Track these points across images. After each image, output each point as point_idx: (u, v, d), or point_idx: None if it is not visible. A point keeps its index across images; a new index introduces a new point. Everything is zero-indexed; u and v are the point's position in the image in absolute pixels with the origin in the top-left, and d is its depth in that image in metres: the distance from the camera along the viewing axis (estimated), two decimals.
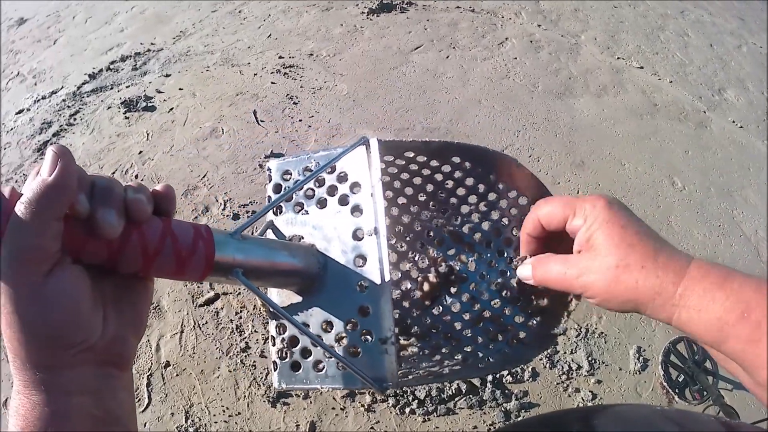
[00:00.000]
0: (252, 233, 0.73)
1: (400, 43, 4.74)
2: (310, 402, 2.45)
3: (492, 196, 0.91)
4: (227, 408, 2.45)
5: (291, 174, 0.80)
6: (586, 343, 2.69)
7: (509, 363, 0.88)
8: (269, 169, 0.83)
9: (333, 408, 2.44)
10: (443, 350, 0.90)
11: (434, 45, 4.73)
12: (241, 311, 2.71)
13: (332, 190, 0.76)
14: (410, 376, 0.83)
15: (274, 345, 0.75)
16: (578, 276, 0.65)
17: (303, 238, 0.77)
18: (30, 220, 0.44)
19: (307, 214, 0.78)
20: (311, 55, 4.54)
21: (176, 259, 0.55)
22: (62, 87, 4.36)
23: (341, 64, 4.44)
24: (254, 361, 2.55)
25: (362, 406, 2.42)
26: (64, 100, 4.15)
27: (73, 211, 0.48)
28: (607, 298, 0.63)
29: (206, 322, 2.66)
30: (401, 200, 0.97)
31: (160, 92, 4.16)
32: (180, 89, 4.18)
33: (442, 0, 5.47)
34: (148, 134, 3.72)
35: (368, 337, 0.67)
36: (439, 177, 0.92)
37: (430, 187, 0.95)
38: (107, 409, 0.51)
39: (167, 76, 4.35)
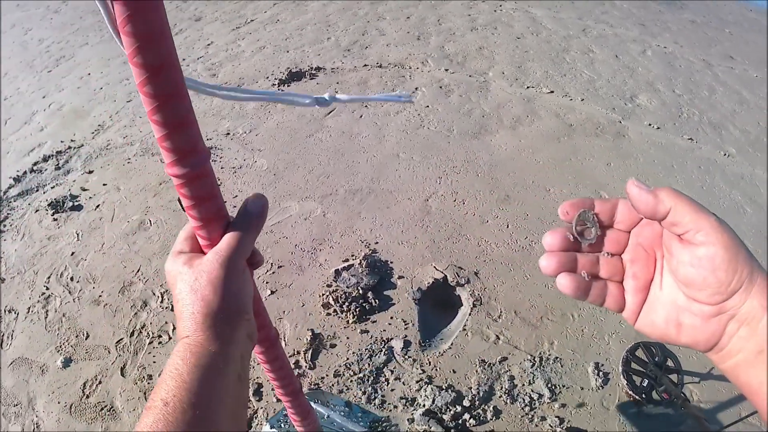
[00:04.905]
0: None
1: (313, 110, 4.77)
2: None
3: None
4: None
5: None
6: (542, 371, 2.68)
7: None
8: None
9: None
10: None
11: (346, 107, 4.79)
12: None
13: None
14: None
15: None
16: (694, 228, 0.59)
17: None
18: (252, 236, 0.75)
19: None
20: (228, 134, 4.55)
21: None
22: None
23: (258, 140, 4.45)
24: None
25: None
26: None
27: None
28: (725, 253, 0.56)
29: None
30: None
31: (84, 190, 4.08)
32: (104, 185, 4.11)
33: (350, 59, 5.58)
34: (78, 234, 3.64)
35: None
36: None
37: None
38: (244, 366, 0.73)
39: (90, 172, 4.29)
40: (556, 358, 2.76)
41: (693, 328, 0.61)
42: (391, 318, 2.95)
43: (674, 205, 0.59)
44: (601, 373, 2.69)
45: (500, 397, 2.59)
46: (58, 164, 4.47)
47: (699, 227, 0.57)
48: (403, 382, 2.65)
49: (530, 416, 2.52)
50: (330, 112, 4.72)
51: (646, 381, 2.56)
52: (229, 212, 0.75)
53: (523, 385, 2.64)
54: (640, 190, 0.62)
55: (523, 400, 2.57)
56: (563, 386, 2.64)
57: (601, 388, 2.64)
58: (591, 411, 2.56)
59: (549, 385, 2.63)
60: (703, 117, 4.83)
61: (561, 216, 0.69)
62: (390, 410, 2.54)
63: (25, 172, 4.40)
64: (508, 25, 6.44)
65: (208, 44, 6.42)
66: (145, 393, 2.68)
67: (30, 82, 6.09)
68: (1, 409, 2.69)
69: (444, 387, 2.62)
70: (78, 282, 3.30)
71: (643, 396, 2.53)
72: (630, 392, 2.57)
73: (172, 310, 3.06)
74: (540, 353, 2.78)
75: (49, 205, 3.94)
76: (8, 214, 3.96)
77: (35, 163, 4.51)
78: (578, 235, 0.69)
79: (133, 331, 2.97)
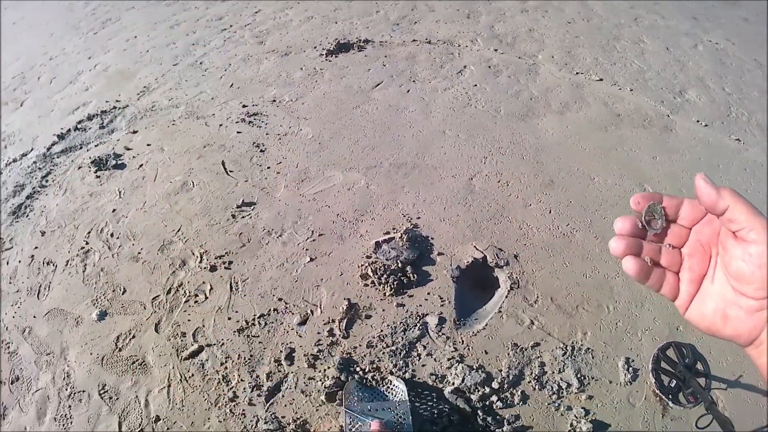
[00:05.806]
0: None
1: (361, 81, 4.78)
2: None
3: None
4: None
5: None
6: (573, 361, 2.68)
7: None
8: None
9: None
10: None
11: (394, 80, 4.77)
12: (226, 361, 2.68)
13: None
14: None
15: None
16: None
17: None
18: None
19: None
20: (274, 101, 4.56)
21: None
22: (32, 149, 4.32)
23: (304, 108, 4.46)
24: (243, 410, 2.51)
25: None
26: (35, 162, 4.11)
27: None
28: None
29: (192, 375, 2.63)
30: None
31: (128, 149, 4.14)
32: (148, 145, 4.17)
33: (398, 33, 5.54)
34: (120, 192, 3.71)
35: None
36: None
37: None
38: None
39: (134, 132, 4.35)
40: (588, 348, 2.75)
41: (738, 320, 0.70)
42: (428, 294, 2.96)
43: (733, 203, 0.68)
44: (630, 368, 2.69)
45: (529, 382, 2.61)
46: (102, 123, 4.53)
47: (752, 226, 0.66)
48: (435, 359, 2.67)
49: (557, 404, 2.54)
50: (377, 85, 4.71)
51: (675, 382, 2.54)
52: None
53: (553, 372, 2.65)
54: (707, 184, 0.72)
55: (551, 387, 2.58)
56: (592, 378, 2.64)
57: (629, 383, 2.64)
58: (617, 406, 2.56)
59: (578, 376, 2.63)
60: (751, 118, 4.71)
61: (632, 205, 0.79)
62: (419, 385, 2.56)
63: (69, 130, 4.47)
64: (559, 9, 6.33)
65: (256, 11, 6.42)
66: (177, 350, 2.75)
67: (76, 44, 6.17)
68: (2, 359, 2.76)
69: (475, 367, 2.64)
70: (118, 238, 3.36)
71: (670, 397, 2.51)
72: (657, 391, 2.55)
73: (211, 270, 3.12)
74: (572, 342, 2.78)
75: (92, 162, 4.01)
76: (51, 169, 4.03)
77: (80, 122, 4.57)
78: (646, 224, 0.79)
79: (170, 288, 3.02)
